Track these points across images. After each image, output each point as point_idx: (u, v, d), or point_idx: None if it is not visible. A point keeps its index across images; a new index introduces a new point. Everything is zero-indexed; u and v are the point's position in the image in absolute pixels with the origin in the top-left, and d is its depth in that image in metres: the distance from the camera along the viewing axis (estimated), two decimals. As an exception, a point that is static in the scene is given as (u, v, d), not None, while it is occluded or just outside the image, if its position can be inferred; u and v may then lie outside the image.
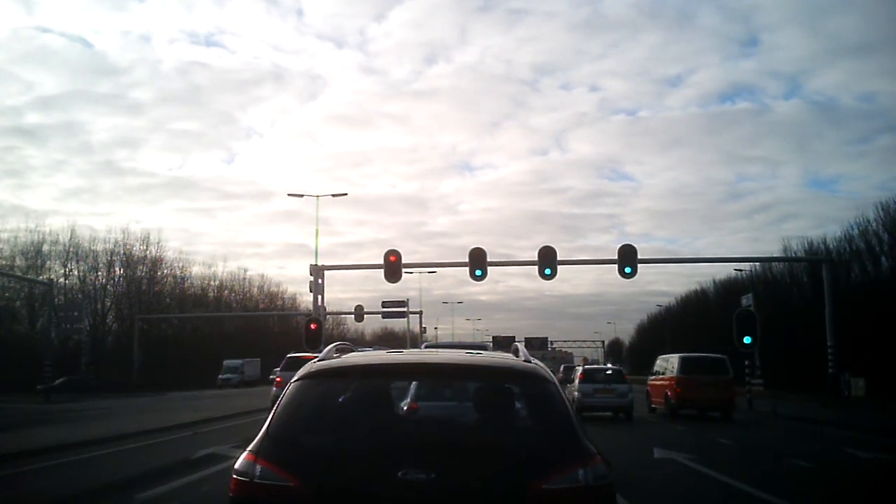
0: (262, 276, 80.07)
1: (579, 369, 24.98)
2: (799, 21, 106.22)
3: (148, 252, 59.26)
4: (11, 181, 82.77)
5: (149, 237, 59.99)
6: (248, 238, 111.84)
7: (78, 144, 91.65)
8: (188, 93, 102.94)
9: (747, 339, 22.26)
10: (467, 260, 24.71)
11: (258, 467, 3.23)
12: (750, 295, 32.45)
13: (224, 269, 72.73)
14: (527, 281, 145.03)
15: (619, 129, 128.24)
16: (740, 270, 49.72)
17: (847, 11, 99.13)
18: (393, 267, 24.30)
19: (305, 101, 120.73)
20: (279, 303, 79.52)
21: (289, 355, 21.10)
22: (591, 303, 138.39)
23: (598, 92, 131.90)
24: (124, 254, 57.43)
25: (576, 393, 20.68)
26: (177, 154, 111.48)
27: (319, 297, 25.63)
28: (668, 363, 23.53)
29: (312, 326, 24.33)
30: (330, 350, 4.04)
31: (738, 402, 22.28)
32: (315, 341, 24.11)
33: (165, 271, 62.03)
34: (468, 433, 3.84)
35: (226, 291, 72.23)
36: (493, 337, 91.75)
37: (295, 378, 3.70)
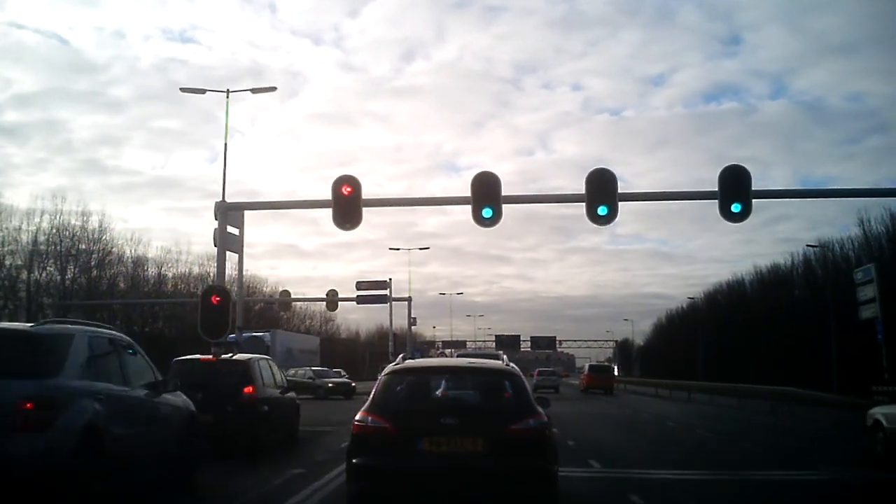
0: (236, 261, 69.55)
1: (537, 370, 49.94)
2: (781, 19, 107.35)
3: (87, 227, 49.23)
4: (-6, 179, 76.05)
5: (86, 208, 50.20)
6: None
7: (60, 143, 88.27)
8: (167, 90, 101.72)
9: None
10: (469, 195, 15.11)
11: (369, 418, 6.59)
12: (871, 266, 22.88)
13: (188, 256, 62.28)
14: (521, 282, 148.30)
15: (603, 130, 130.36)
16: (813, 246, 39.90)
17: (830, 10, 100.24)
18: (346, 203, 14.57)
19: (286, 98, 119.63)
20: (259, 296, 69.74)
21: (175, 360, 12.71)
22: (587, 304, 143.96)
23: (580, 91, 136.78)
24: (55, 230, 47.54)
25: (534, 380, 40.99)
26: (159, 152, 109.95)
27: (229, 251, 15.89)
28: (585, 367, 54.61)
29: (214, 300, 14.67)
30: (400, 359, 7.99)
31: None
32: (217, 327, 14.56)
33: (113, 250, 51.84)
34: (476, 404, 7.50)
35: (191, 282, 62.12)
36: (497, 336, 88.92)
37: (384, 373, 7.32)
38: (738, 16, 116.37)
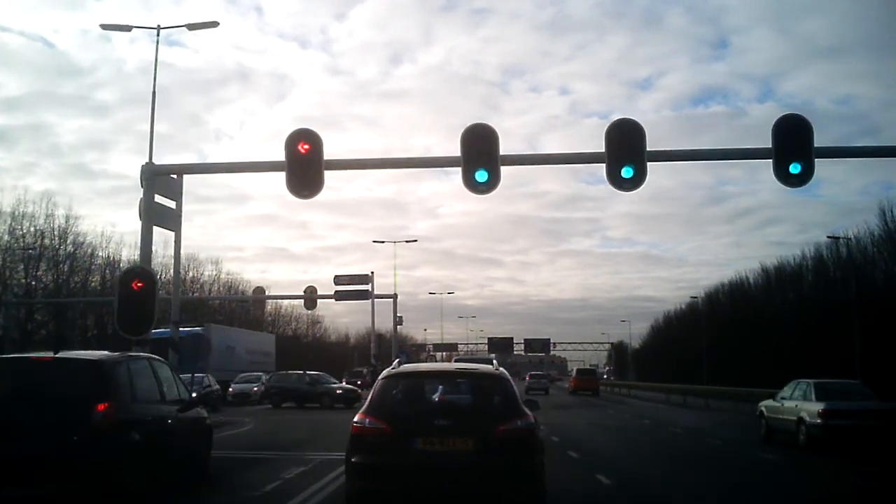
0: (217, 260, 65.57)
1: (529, 374, 53.89)
2: (769, 23, 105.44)
3: (53, 224, 45.79)
4: (-18, 183, 74.80)
5: (50, 200, 46.64)
6: (227, 242, 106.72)
7: (47, 147, 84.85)
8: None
9: None
10: (459, 154, 11.98)
11: (367, 420, 6.97)
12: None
13: (164, 258, 58.61)
14: (513, 286, 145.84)
15: (592, 133, 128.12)
16: (834, 238, 36.86)
17: (818, 13, 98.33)
18: (304, 164, 11.49)
19: (273, 102, 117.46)
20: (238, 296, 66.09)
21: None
22: (578, 307, 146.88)
23: (568, 95, 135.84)
24: (19, 227, 44.06)
25: (525, 383, 46.70)
26: (147, 156, 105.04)
27: (162, 229, 12.76)
28: (573, 372, 60.78)
29: (135, 286, 11.59)
30: (396, 363, 8.26)
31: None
32: (138, 319, 11.52)
33: (82, 247, 48.21)
34: (468, 406, 7.88)
35: (169, 282, 58.17)
36: (489, 339, 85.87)
37: (381, 377, 7.66)
38: (725, 19, 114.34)
